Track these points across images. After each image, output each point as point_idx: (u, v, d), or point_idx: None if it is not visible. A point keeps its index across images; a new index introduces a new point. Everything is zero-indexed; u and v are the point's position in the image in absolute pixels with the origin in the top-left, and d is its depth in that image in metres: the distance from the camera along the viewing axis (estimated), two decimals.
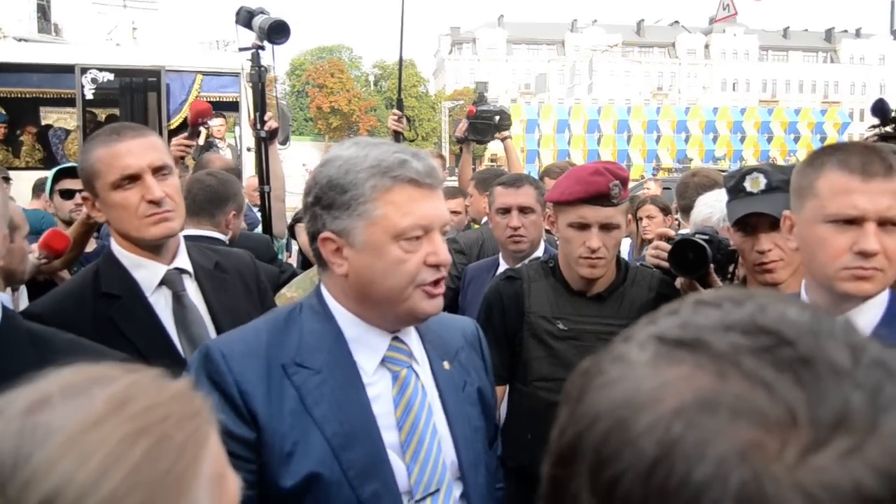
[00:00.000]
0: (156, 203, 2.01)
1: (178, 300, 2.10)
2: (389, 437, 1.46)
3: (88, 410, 0.65)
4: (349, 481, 1.39)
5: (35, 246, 2.93)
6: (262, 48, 3.93)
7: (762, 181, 2.17)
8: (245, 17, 3.92)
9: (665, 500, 0.46)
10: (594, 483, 0.51)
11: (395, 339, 1.55)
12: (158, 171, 2.04)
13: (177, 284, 2.11)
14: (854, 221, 1.59)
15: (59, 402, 0.66)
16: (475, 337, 1.78)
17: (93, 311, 1.99)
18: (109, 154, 2.01)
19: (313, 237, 1.50)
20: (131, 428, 0.64)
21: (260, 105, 3.91)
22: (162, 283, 2.09)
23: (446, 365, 1.61)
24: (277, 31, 3.81)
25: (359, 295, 1.49)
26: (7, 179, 7.41)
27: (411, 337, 1.59)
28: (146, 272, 2.08)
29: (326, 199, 1.46)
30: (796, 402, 0.47)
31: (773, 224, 2.13)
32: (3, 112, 10.09)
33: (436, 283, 1.47)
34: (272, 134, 3.90)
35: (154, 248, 2.08)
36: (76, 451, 0.62)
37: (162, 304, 2.08)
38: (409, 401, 1.51)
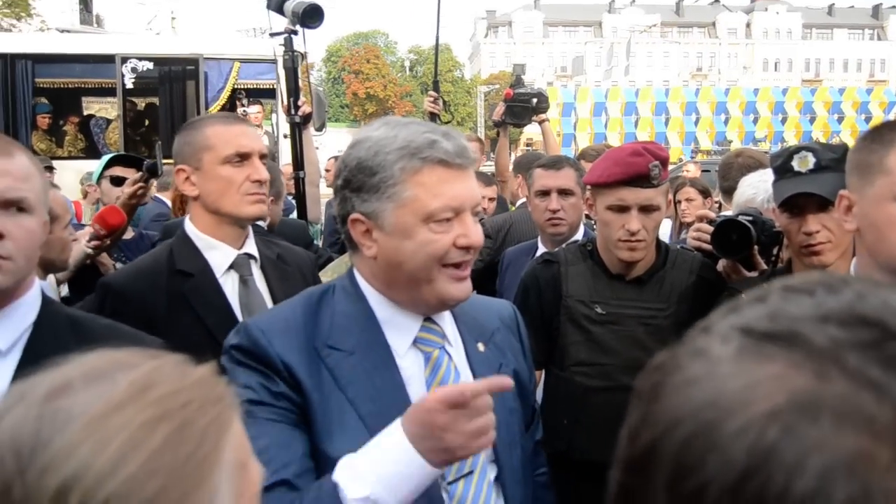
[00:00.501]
0: (259, 183, 2.17)
1: (245, 283, 2.20)
2: None
3: (110, 395, 0.65)
4: None
5: (84, 232, 2.98)
6: (296, 33, 3.88)
7: (811, 160, 2.09)
8: (277, 2, 3.88)
9: None
10: (673, 494, 0.46)
11: (428, 319, 1.53)
12: (262, 157, 2.22)
13: (244, 269, 2.21)
14: None
15: (80, 387, 0.66)
16: (512, 319, 1.75)
17: (167, 286, 2.12)
18: (228, 131, 2.18)
19: (343, 220, 1.49)
20: (152, 413, 0.64)
21: (294, 90, 3.89)
22: (231, 266, 2.20)
23: (481, 347, 1.59)
24: (311, 16, 3.78)
25: (388, 277, 1.48)
26: (51, 169, 7.56)
27: (444, 318, 1.57)
28: (218, 254, 2.18)
29: (356, 181, 1.44)
30: None
31: (820, 204, 2.06)
32: (47, 102, 10.27)
33: (463, 264, 1.45)
34: (306, 119, 3.88)
35: (240, 227, 2.21)
36: (96, 436, 0.62)
37: (230, 287, 2.18)
38: (441, 382, 1.49)
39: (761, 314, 0.51)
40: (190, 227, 2.21)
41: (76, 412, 0.63)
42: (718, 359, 0.49)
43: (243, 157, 2.17)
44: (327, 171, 7.73)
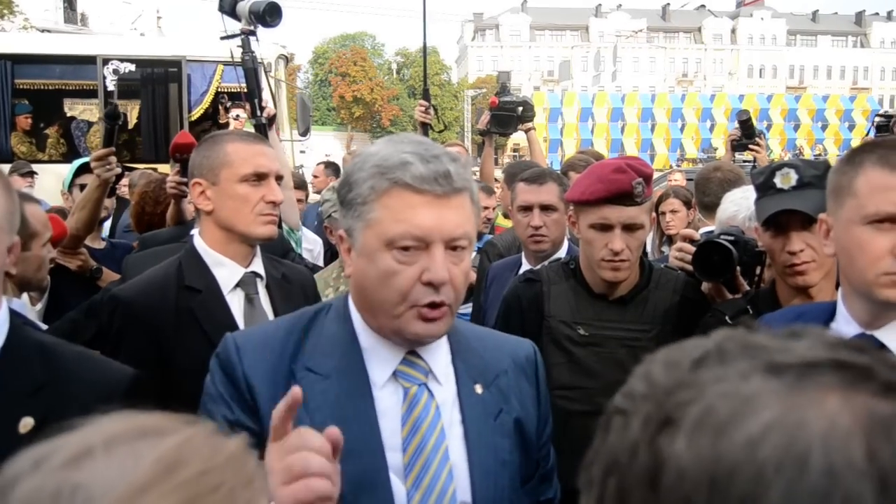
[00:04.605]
0: (274, 205, 2.20)
1: (250, 302, 2.22)
2: (393, 457, 1.35)
3: (133, 474, 0.59)
4: (343, 495, 1.29)
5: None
6: (253, 33, 3.82)
7: (793, 177, 2.06)
8: (230, 4, 3.79)
9: None
10: None
11: (411, 352, 1.44)
12: (278, 179, 2.26)
13: (251, 288, 2.23)
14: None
15: (101, 458, 0.60)
16: (530, 362, 1.59)
17: (175, 301, 2.13)
18: (248, 150, 2.20)
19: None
20: (178, 499, 0.58)
21: (257, 92, 3.83)
22: (238, 284, 2.21)
23: (478, 388, 1.47)
24: (270, 13, 3.71)
25: (360, 300, 1.43)
26: (31, 174, 7.40)
27: (437, 353, 1.46)
28: (226, 272, 2.20)
29: (341, 195, 1.42)
30: None
31: (804, 222, 2.03)
32: (27, 103, 10.10)
33: (432, 305, 1.34)
34: (271, 121, 3.83)
35: (249, 245, 2.22)
36: None
37: (236, 305, 2.19)
38: (416, 420, 1.39)
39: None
40: (199, 242, 2.22)
41: (96, 492, 0.57)
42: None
43: (260, 178, 2.18)
44: (315, 177, 7.62)
